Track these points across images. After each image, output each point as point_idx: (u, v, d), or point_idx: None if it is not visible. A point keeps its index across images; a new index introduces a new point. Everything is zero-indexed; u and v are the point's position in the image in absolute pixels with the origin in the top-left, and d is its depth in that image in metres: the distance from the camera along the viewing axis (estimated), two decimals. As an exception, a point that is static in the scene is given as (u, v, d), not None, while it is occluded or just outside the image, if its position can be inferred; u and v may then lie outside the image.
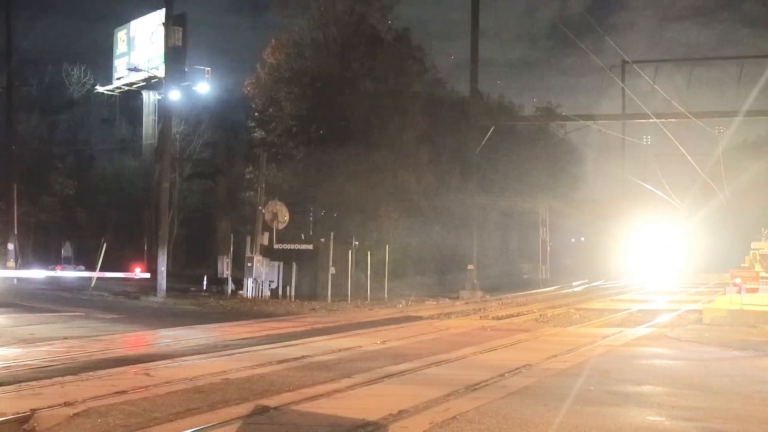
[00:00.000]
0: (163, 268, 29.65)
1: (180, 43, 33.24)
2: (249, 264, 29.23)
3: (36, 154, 43.19)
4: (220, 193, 42.60)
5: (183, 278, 33.91)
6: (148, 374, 11.34)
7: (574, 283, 44.38)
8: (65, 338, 16.23)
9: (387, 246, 32.29)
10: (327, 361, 13.18)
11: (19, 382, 10.57)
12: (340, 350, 14.49)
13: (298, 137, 37.29)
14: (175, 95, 32.56)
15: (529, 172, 47.70)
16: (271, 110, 37.86)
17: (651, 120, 35.38)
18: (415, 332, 18.49)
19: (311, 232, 34.88)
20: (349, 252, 30.68)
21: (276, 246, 30.78)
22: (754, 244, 33.72)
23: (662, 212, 50.56)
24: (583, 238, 63.92)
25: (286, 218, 31.29)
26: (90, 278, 32.48)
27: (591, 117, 40.55)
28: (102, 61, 46.07)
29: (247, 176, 37.70)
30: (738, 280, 22.88)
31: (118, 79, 44.28)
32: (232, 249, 30.40)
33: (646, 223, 50.39)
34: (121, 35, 44.65)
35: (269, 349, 14.69)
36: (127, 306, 26.50)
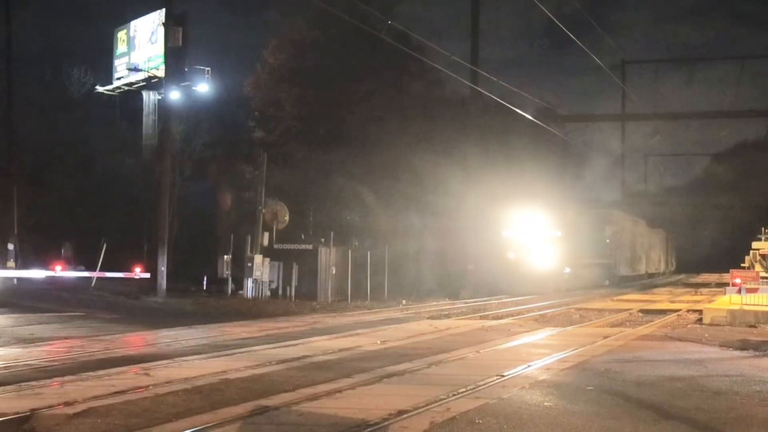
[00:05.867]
0: (163, 268, 29.65)
1: (180, 43, 33.21)
2: (249, 264, 29.21)
3: (36, 154, 43.15)
4: (219, 193, 42.55)
5: (183, 278, 33.89)
6: (148, 374, 11.34)
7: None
8: (65, 338, 16.25)
9: (387, 246, 32.25)
10: (327, 361, 13.19)
11: (19, 382, 10.58)
12: (340, 350, 14.49)
13: (298, 137, 37.28)
14: (175, 95, 32.55)
15: (528, 172, 47.58)
16: (271, 110, 37.85)
17: (651, 120, 35.39)
18: (415, 332, 18.49)
19: (311, 232, 34.87)
20: (349, 252, 30.68)
21: (276, 246, 30.77)
22: (754, 244, 33.78)
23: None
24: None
25: (286, 218, 31.29)
26: (90, 278, 32.47)
27: (591, 117, 40.56)
28: (102, 61, 46.04)
29: (247, 176, 37.66)
30: (738, 280, 22.90)
31: (118, 79, 44.26)
32: (232, 249, 30.40)
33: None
34: (121, 35, 44.64)
35: (269, 349, 14.70)
36: (127, 306, 26.50)
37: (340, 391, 10.24)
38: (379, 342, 16.03)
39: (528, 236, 37.26)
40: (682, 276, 65.84)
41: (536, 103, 36.90)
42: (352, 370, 11.92)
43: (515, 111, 34.11)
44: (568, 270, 38.81)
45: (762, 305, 20.68)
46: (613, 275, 46.36)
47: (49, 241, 39.08)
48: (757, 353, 14.92)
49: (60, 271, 30.85)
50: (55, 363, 12.57)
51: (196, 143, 43.33)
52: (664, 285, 48.75)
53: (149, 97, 41.88)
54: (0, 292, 27.25)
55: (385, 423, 8.35)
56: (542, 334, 18.48)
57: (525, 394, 10.23)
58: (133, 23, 43.70)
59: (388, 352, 14.62)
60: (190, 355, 13.59)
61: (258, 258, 29.32)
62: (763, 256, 32.54)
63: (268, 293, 29.80)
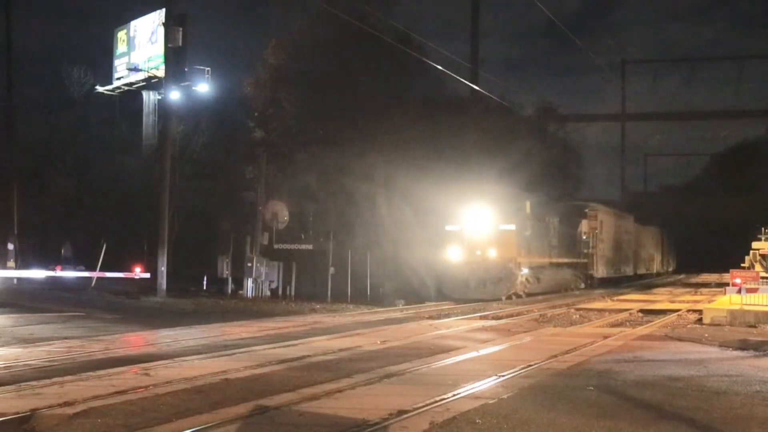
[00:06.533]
0: (163, 268, 29.66)
1: (180, 43, 33.22)
2: (249, 264, 29.24)
3: (36, 154, 43.20)
4: (220, 193, 42.58)
5: (183, 278, 33.91)
6: (147, 374, 11.34)
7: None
8: (65, 338, 16.24)
9: (387, 246, 32.19)
10: (327, 361, 13.19)
11: (19, 382, 10.58)
12: (340, 350, 14.49)
13: (298, 137, 37.29)
14: (174, 95, 32.56)
15: (527, 172, 47.62)
16: (271, 110, 37.85)
17: (650, 120, 35.41)
18: (414, 332, 18.49)
19: (311, 232, 34.85)
20: (349, 252, 30.67)
21: (276, 246, 30.79)
22: (754, 244, 33.78)
23: None
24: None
25: (286, 218, 31.30)
26: (90, 278, 32.48)
27: (591, 117, 40.51)
28: (102, 61, 46.19)
29: (247, 176, 37.70)
30: (738, 280, 22.90)
31: (118, 79, 44.34)
32: (232, 249, 30.40)
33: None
34: (121, 35, 44.72)
35: (269, 349, 14.69)
36: (127, 306, 26.50)
37: (340, 391, 10.24)
38: (379, 342, 16.03)
39: (474, 230, 31.35)
40: (681, 276, 65.80)
41: (536, 102, 36.90)
42: (352, 370, 11.93)
43: (515, 111, 34.12)
44: (525, 271, 32.43)
45: (762, 305, 20.68)
46: (589, 276, 40.87)
47: (49, 241, 39.11)
48: (757, 353, 14.91)
49: (60, 271, 30.88)
50: (55, 363, 12.56)
51: (196, 143, 43.38)
52: (663, 285, 48.72)
53: (149, 97, 41.92)
54: (0, 292, 27.25)
55: (385, 423, 8.35)
56: (542, 334, 18.47)
57: (525, 394, 10.23)
58: (133, 23, 43.76)
59: (388, 352, 14.62)
60: (190, 355, 13.58)
61: (258, 258, 29.35)
62: (763, 256, 32.55)
63: (268, 293, 29.82)
